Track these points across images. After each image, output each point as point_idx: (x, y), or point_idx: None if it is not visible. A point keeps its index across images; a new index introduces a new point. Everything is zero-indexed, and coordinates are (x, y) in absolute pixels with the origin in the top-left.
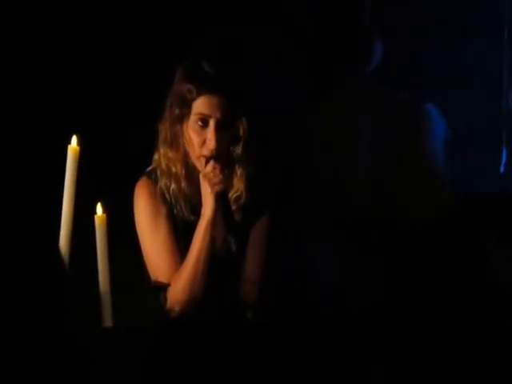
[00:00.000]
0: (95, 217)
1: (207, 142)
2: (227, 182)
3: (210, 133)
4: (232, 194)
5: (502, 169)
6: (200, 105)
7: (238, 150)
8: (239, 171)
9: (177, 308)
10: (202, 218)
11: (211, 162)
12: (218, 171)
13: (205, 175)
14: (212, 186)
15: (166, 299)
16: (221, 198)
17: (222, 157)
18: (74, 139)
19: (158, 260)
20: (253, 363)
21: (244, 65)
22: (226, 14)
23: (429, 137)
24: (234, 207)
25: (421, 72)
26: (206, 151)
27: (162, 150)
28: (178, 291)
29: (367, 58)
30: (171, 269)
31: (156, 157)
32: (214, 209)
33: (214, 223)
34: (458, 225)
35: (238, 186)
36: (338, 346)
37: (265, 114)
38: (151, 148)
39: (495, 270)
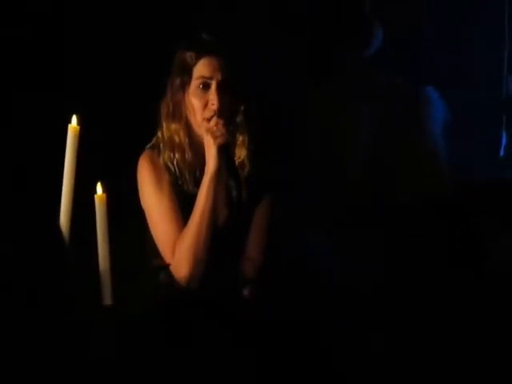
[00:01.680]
0: (95, 196)
1: (209, 103)
2: (231, 139)
3: (212, 94)
4: (235, 161)
5: (501, 152)
6: (200, 68)
7: (240, 117)
8: (241, 138)
9: (182, 271)
10: (205, 173)
11: (214, 118)
12: (220, 125)
13: (208, 129)
14: (215, 138)
15: (165, 278)
16: (224, 153)
17: (224, 115)
18: (74, 118)
19: (164, 225)
20: (247, 341)
21: (242, 34)
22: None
23: (429, 120)
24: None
25: (420, 56)
26: (208, 113)
27: (164, 124)
28: (184, 251)
29: (367, 41)
30: (177, 233)
31: (159, 133)
32: (216, 161)
33: (217, 178)
34: (457, 212)
35: (240, 152)
36: (334, 327)
37: (265, 88)
38: (152, 127)
39: (495, 260)
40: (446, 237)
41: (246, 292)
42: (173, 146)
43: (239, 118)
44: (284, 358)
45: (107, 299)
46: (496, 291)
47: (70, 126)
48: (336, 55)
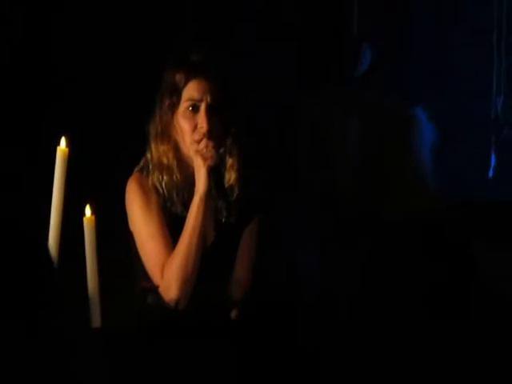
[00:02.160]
0: (84, 218)
1: (199, 125)
2: (220, 162)
3: (202, 117)
4: (225, 184)
5: (490, 173)
6: (190, 90)
7: (229, 139)
8: (230, 161)
9: (171, 293)
10: (195, 194)
11: (204, 140)
12: (210, 147)
13: (197, 151)
14: (204, 160)
15: (154, 300)
16: (214, 179)
17: (214, 136)
18: (63, 141)
19: (152, 247)
20: (235, 362)
21: (231, 56)
22: (214, 13)
23: (417, 140)
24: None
25: (410, 77)
26: (197, 136)
27: (153, 145)
28: (173, 273)
29: (355, 62)
30: (166, 255)
31: (148, 155)
32: (206, 183)
33: (207, 200)
34: (446, 230)
35: (230, 175)
36: (324, 345)
37: (255, 108)
38: (141, 150)
39: (483, 276)
40: (433, 252)
41: (233, 313)
42: (161, 168)
43: (229, 141)
44: (273, 380)
45: (96, 321)
46: (483, 309)
47: (58, 148)
48: (325, 76)
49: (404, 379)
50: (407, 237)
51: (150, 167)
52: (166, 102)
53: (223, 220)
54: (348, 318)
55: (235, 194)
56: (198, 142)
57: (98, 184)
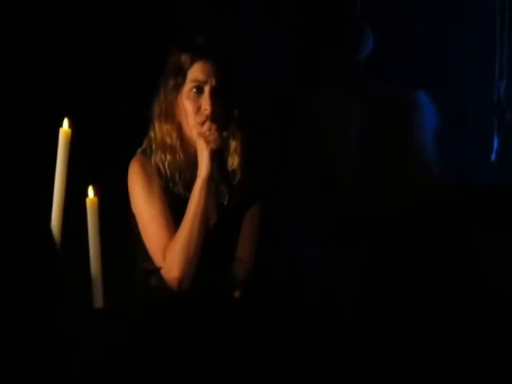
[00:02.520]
0: (87, 199)
1: (202, 108)
2: (223, 144)
3: (206, 99)
4: (228, 168)
5: (493, 156)
6: (195, 71)
7: (233, 122)
8: (233, 144)
9: (173, 275)
10: (197, 177)
11: (207, 123)
12: (213, 130)
13: (200, 134)
14: (207, 143)
15: (157, 281)
16: (217, 163)
17: (217, 120)
18: (66, 122)
19: (154, 229)
20: (237, 342)
21: (237, 38)
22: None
23: (419, 125)
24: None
25: (412, 61)
26: (201, 118)
27: (156, 124)
28: (175, 256)
29: (357, 47)
30: (168, 238)
31: (151, 133)
32: (209, 166)
33: (209, 183)
34: (447, 217)
35: (233, 159)
36: (321, 328)
37: (258, 94)
38: (144, 131)
39: (485, 265)
40: (435, 240)
41: (236, 293)
42: (164, 148)
43: (232, 124)
44: (275, 357)
45: (98, 302)
46: (486, 297)
47: (61, 129)
48: (327, 61)
49: (404, 377)
50: (407, 233)
51: (153, 147)
52: (171, 82)
53: (225, 203)
54: (349, 314)
55: (238, 178)
56: (202, 124)
57: (101, 165)
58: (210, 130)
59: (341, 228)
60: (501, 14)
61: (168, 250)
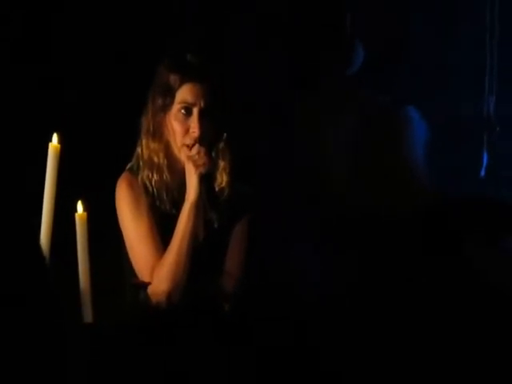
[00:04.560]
0: (76, 215)
1: (191, 130)
2: (212, 168)
3: (194, 121)
4: (215, 187)
5: (482, 172)
6: (184, 93)
7: (221, 142)
8: (222, 164)
9: (160, 295)
10: (185, 201)
11: (196, 146)
12: (202, 154)
13: (189, 158)
14: (196, 167)
15: (146, 297)
16: (205, 182)
17: (206, 142)
18: (55, 137)
19: (141, 249)
20: (229, 356)
21: (227, 56)
22: (207, 10)
23: (409, 139)
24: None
25: (402, 75)
26: (189, 140)
27: (144, 142)
28: (162, 278)
29: (348, 60)
30: (155, 258)
31: (138, 150)
32: (197, 191)
33: (197, 206)
34: (438, 226)
35: (222, 178)
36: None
37: (248, 109)
38: (133, 146)
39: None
40: (427, 248)
41: (226, 306)
42: (152, 166)
43: (221, 145)
44: (269, 366)
45: (88, 317)
46: (475, 303)
47: (50, 144)
48: (319, 72)
49: (405, 376)
50: (401, 236)
51: (141, 163)
52: (159, 102)
53: (214, 221)
54: (346, 315)
55: (226, 194)
56: (190, 147)
57: (91, 180)
58: (198, 153)
59: (335, 230)
60: (490, 29)
61: (156, 270)
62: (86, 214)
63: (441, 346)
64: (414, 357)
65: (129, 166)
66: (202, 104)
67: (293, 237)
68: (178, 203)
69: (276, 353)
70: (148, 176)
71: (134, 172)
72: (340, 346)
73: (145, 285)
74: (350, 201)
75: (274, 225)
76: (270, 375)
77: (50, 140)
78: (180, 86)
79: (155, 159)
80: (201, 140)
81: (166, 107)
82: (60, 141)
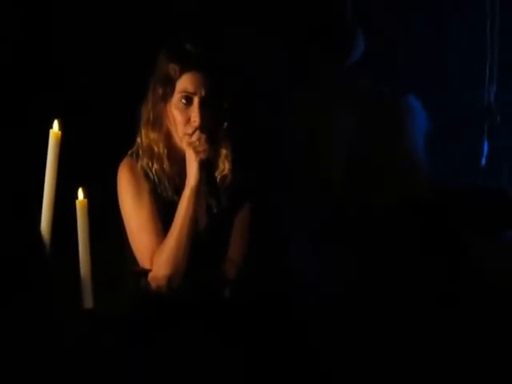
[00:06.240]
0: (76, 201)
1: (191, 119)
2: (213, 155)
3: (195, 110)
4: (217, 174)
5: (483, 161)
6: (184, 82)
7: (223, 130)
8: (224, 152)
9: (160, 282)
10: (186, 187)
11: (196, 132)
12: (203, 140)
13: (190, 144)
14: (196, 153)
15: (146, 284)
16: (205, 168)
17: (207, 130)
18: (56, 124)
19: (142, 236)
20: (229, 342)
21: (227, 45)
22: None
23: (409, 128)
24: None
25: (402, 64)
26: (190, 129)
27: (143, 131)
28: (162, 264)
29: (348, 49)
30: (156, 244)
31: (138, 139)
32: (197, 177)
33: (198, 192)
34: (438, 217)
35: (224, 166)
36: (312, 326)
37: (248, 99)
38: (134, 133)
39: (474, 261)
40: (425, 238)
41: (227, 292)
42: (151, 155)
43: (222, 133)
44: (268, 356)
45: (88, 303)
46: (474, 297)
47: (51, 131)
48: (319, 61)
49: (403, 376)
50: (399, 232)
51: (140, 152)
52: (159, 91)
53: (214, 208)
54: (344, 312)
55: (228, 181)
56: (191, 134)
57: (92, 167)
58: (199, 140)
59: (335, 226)
60: (491, 18)
61: (155, 257)
62: (86, 200)
63: (440, 345)
64: (413, 356)
65: (130, 152)
66: (203, 93)
67: (292, 236)
68: (179, 190)
69: (273, 346)
70: (148, 164)
71: (135, 159)
72: (339, 345)
73: (145, 272)
74: (349, 196)
75: (274, 219)
76: (267, 361)
77: (51, 127)
78: (180, 75)
79: (155, 149)
80: (202, 128)
81: (167, 97)
82: (61, 127)
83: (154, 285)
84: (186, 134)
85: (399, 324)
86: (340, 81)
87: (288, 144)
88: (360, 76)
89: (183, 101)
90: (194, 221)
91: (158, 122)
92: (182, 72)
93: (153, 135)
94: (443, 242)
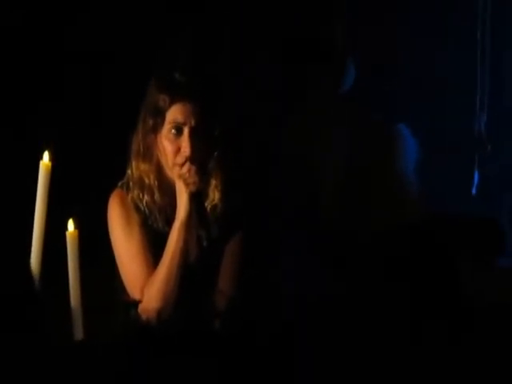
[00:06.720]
0: (67, 233)
1: (182, 149)
2: (203, 186)
3: (185, 141)
4: (207, 204)
5: (473, 190)
6: (174, 113)
7: (213, 160)
8: (214, 181)
9: (151, 313)
10: (176, 219)
11: (187, 164)
12: (193, 172)
13: (180, 176)
14: (187, 185)
15: (136, 315)
16: (195, 199)
17: (197, 161)
18: (46, 155)
19: (133, 268)
20: (219, 372)
21: (217, 74)
22: (197, 25)
23: (400, 156)
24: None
25: (394, 92)
26: (180, 159)
27: (134, 163)
28: (152, 296)
29: (340, 79)
30: (146, 276)
31: (128, 171)
32: (187, 209)
33: (188, 224)
34: (429, 242)
35: (214, 195)
36: (308, 360)
37: (239, 125)
38: (124, 164)
39: (466, 286)
40: (416, 263)
41: (217, 323)
42: (142, 187)
43: (212, 163)
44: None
45: (78, 334)
46: (464, 321)
47: (41, 162)
48: (311, 87)
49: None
50: (389, 254)
51: (131, 184)
52: (150, 122)
53: (204, 241)
54: (332, 329)
55: (218, 211)
56: (181, 165)
57: (82, 198)
58: (189, 171)
59: (326, 248)
60: (481, 42)
61: (146, 289)
62: (77, 231)
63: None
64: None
65: (120, 183)
66: (193, 123)
67: (283, 254)
68: (170, 221)
69: (265, 369)
70: (138, 195)
71: (125, 190)
72: (330, 372)
73: (135, 303)
74: (339, 218)
75: (265, 242)
76: None
77: (41, 158)
78: (170, 106)
79: (146, 180)
80: (192, 159)
81: (157, 127)
82: (51, 158)
83: (144, 316)
84: (176, 164)
85: (388, 341)
86: (332, 107)
87: (279, 170)
88: (352, 102)
89: (173, 131)
90: (184, 253)
91: (149, 153)
92: (171, 103)
93: (143, 166)
94: (434, 265)
